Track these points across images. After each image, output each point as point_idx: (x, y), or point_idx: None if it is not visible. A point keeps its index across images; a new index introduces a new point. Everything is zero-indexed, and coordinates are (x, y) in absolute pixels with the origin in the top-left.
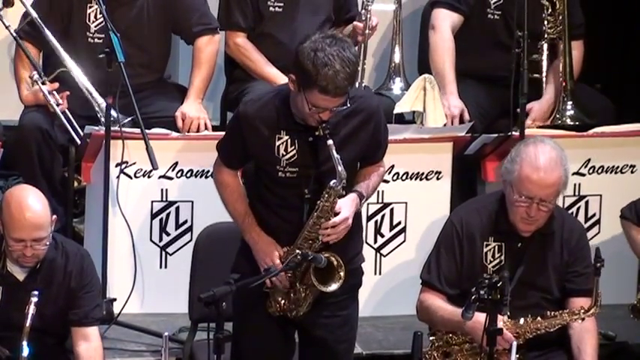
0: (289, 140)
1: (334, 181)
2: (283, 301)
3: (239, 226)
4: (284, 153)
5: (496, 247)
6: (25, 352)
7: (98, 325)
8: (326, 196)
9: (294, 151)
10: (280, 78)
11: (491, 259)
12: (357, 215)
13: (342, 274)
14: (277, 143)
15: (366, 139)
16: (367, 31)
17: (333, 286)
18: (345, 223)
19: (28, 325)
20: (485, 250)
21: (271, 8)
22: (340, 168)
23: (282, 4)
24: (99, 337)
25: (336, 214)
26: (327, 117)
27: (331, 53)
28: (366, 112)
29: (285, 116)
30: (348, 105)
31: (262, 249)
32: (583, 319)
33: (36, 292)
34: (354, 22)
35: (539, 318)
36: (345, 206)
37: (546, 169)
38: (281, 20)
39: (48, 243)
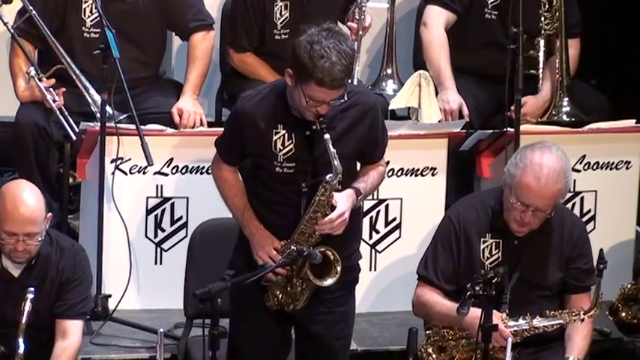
0: (286, 134)
1: (330, 175)
2: (281, 295)
3: (238, 220)
4: (281, 147)
5: (493, 244)
6: (21, 348)
7: (83, 320)
8: (322, 190)
9: (291, 146)
10: None
11: (489, 256)
12: (356, 212)
13: (338, 268)
14: (274, 138)
15: (362, 135)
16: (360, 32)
17: (329, 281)
18: (342, 218)
19: (24, 322)
20: (482, 246)
21: (277, 37)
22: (336, 162)
23: (287, 31)
24: (79, 333)
25: (333, 208)
26: (324, 111)
27: (327, 46)
28: (362, 107)
29: (282, 110)
30: (346, 99)
31: (259, 241)
32: (582, 320)
33: (32, 289)
34: (348, 23)
35: (538, 317)
36: (341, 201)
37: (547, 181)
38: (287, 46)
39: (40, 239)
